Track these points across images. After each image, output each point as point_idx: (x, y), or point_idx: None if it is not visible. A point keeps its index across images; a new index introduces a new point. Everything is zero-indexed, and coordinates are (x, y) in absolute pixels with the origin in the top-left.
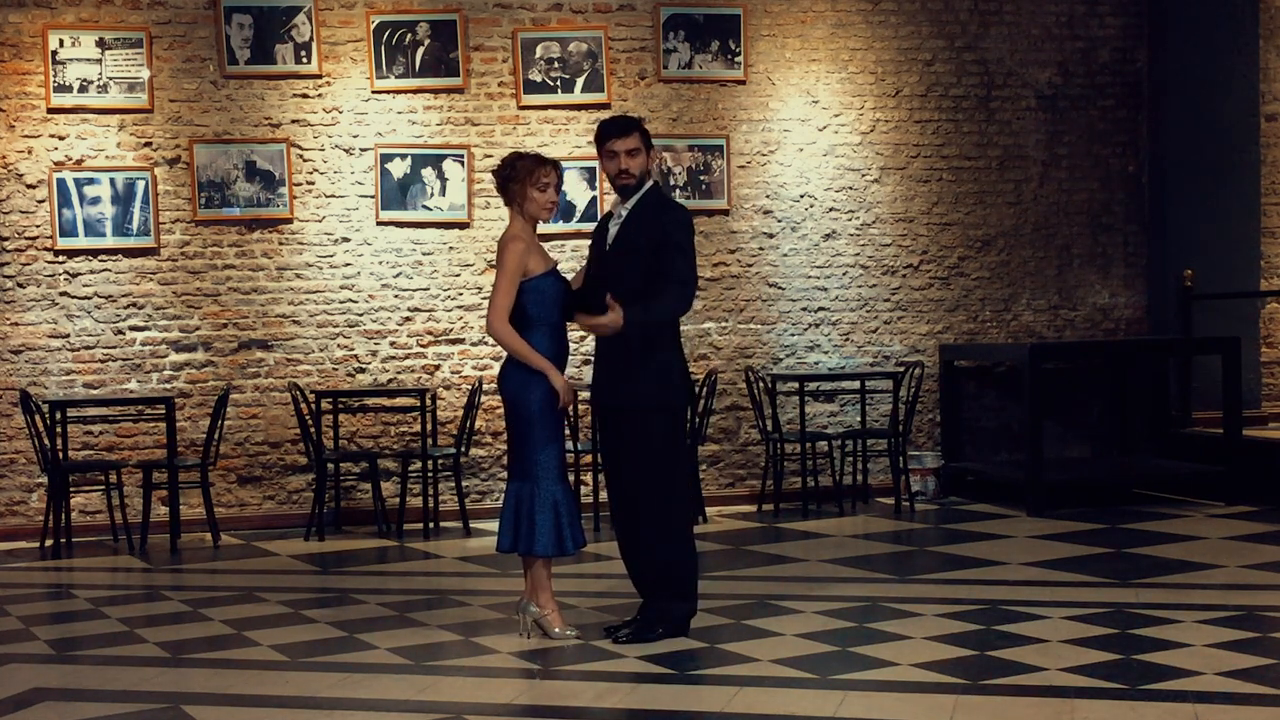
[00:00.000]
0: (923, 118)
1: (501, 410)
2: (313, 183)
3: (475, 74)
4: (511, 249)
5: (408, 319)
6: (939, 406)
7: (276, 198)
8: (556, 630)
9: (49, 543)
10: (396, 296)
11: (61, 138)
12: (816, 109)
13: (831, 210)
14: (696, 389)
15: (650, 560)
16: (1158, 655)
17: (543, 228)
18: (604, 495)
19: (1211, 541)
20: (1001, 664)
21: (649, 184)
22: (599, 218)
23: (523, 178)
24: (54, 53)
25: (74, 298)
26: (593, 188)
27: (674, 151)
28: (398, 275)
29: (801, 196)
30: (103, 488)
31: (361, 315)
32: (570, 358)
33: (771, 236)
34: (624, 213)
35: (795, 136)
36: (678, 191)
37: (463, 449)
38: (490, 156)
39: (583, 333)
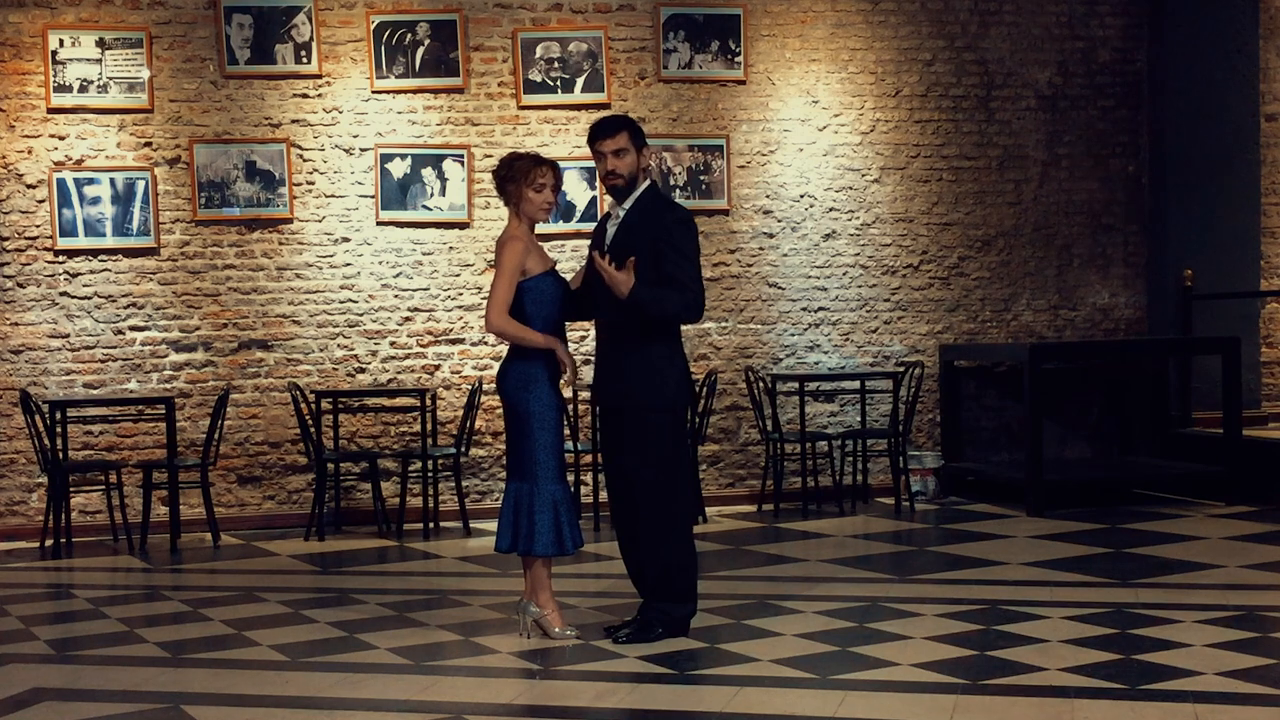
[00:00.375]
0: (923, 118)
1: (501, 410)
2: (313, 183)
3: (475, 74)
4: (509, 248)
5: (408, 319)
6: (939, 406)
7: (276, 198)
8: (556, 630)
9: (49, 543)
10: (396, 296)
11: (61, 138)
12: (816, 109)
13: (831, 210)
14: (696, 389)
15: (650, 560)
16: (1158, 655)
17: (542, 228)
18: (604, 495)
19: (1211, 541)
20: (1001, 664)
21: (645, 184)
22: (599, 218)
23: (519, 178)
24: (54, 53)
25: (74, 298)
26: (592, 188)
27: (674, 151)
28: (398, 275)
29: (801, 196)
30: (103, 488)
31: (361, 315)
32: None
33: (771, 236)
34: (621, 214)
35: (795, 136)
36: (677, 191)
37: (463, 449)
38: (490, 156)
39: (582, 333)
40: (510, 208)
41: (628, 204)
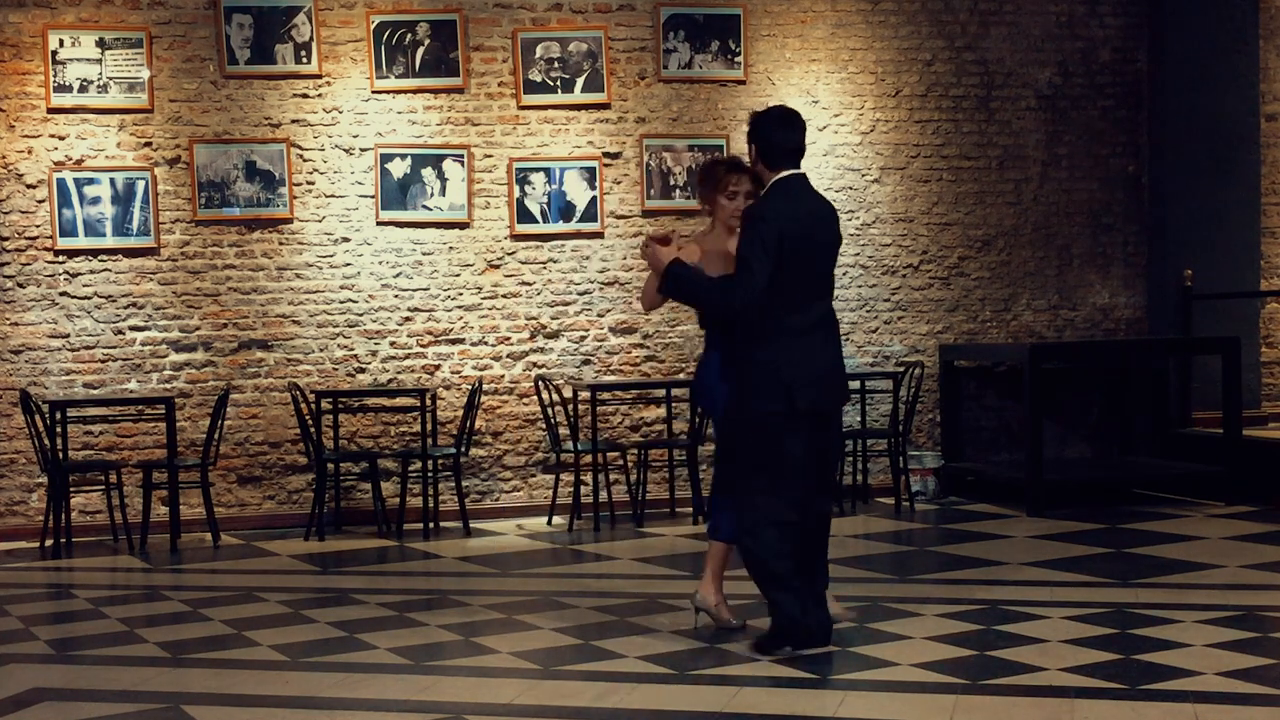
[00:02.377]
0: (923, 118)
1: (500, 410)
2: (313, 183)
3: (475, 74)
4: (684, 250)
5: (408, 319)
6: (939, 406)
7: (276, 198)
8: (725, 618)
9: (49, 543)
10: (396, 296)
11: (61, 138)
12: (816, 109)
13: None
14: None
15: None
16: (1158, 655)
17: (545, 227)
18: (604, 495)
19: (1211, 541)
20: (1001, 664)
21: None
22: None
23: (715, 184)
24: (54, 53)
25: (74, 298)
26: (592, 188)
27: (674, 151)
28: (398, 275)
29: None
30: (103, 488)
31: (361, 315)
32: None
33: None
34: None
35: None
36: (677, 191)
37: (463, 449)
38: (490, 156)
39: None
40: (706, 210)
41: None
